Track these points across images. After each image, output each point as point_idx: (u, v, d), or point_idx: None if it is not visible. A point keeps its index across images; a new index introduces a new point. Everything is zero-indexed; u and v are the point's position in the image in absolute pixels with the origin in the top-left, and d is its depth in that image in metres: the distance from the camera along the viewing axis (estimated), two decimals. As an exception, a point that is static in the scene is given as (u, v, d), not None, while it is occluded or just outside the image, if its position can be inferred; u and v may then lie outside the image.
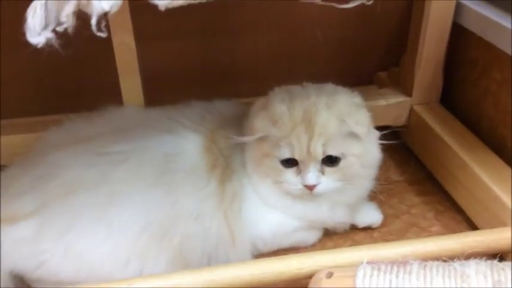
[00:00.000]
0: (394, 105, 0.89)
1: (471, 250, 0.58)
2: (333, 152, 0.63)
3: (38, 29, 0.39)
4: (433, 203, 0.81)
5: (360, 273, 0.54)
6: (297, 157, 0.63)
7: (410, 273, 0.53)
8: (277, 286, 0.61)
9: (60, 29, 0.40)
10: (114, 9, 0.38)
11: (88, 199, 0.64)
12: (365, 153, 0.65)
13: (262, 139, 0.64)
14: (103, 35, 0.38)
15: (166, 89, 0.87)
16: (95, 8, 0.37)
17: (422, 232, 0.75)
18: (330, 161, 0.63)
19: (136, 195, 0.65)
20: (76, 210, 0.64)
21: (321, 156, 0.62)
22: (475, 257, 0.55)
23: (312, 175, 0.62)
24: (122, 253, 0.63)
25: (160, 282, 0.58)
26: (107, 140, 0.70)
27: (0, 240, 0.62)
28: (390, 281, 0.53)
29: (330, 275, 0.56)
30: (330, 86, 0.69)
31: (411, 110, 0.89)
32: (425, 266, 0.54)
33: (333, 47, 1.00)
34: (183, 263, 0.65)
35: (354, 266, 0.56)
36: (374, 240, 0.74)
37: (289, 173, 0.64)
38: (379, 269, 0.54)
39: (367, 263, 0.56)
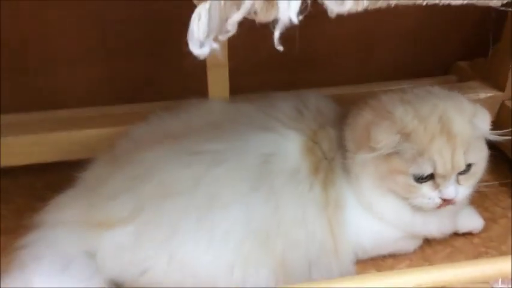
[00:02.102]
0: (484, 99, 0.84)
1: None
2: (471, 160, 0.60)
3: (201, 38, 0.35)
4: (531, 205, 0.78)
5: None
6: (439, 172, 0.59)
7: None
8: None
9: (222, 38, 0.36)
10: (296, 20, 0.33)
11: (187, 202, 0.61)
12: (485, 152, 0.63)
13: (390, 154, 0.60)
14: (280, 48, 0.34)
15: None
16: (282, 19, 0.32)
17: (526, 238, 0.72)
18: (465, 169, 0.60)
19: (237, 199, 0.62)
20: (175, 215, 0.61)
21: (463, 167, 0.59)
22: None
23: (452, 188, 0.59)
24: (226, 261, 0.61)
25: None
26: (200, 138, 0.66)
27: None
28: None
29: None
30: (437, 89, 0.65)
31: (502, 105, 0.85)
32: None
33: (409, 35, 0.95)
34: (286, 270, 0.62)
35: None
36: (474, 247, 0.71)
37: (425, 188, 0.60)
38: (515, 290, 0.52)
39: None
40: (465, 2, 0.41)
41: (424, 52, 0.97)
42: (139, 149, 0.67)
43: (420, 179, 0.60)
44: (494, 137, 0.64)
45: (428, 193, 0.61)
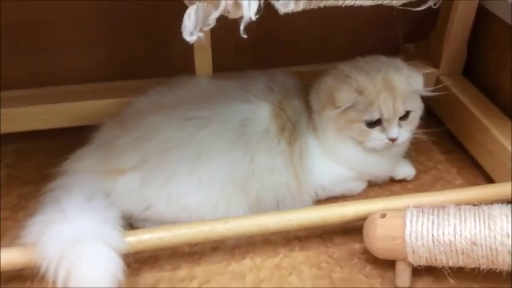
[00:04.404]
0: (424, 75, 1.02)
1: (495, 198, 0.74)
2: (408, 108, 0.79)
3: (191, 29, 0.52)
4: (456, 160, 0.97)
5: (408, 214, 0.70)
6: (385, 117, 0.77)
7: (448, 214, 0.69)
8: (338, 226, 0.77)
9: (206, 29, 0.53)
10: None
11: (181, 156, 0.78)
12: (420, 105, 0.82)
13: (346, 109, 0.78)
14: (245, 36, 0.51)
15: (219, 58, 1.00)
16: (245, 17, 0.49)
17: (447, 185, 0.91)
18: (404, 116, 0.79)
19: (220, 154, 0.79)
20: (172, 165, 0.78)
21: (402, 113, 0.78)
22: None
23: (395, 129, 0.78)
24: (211, 200, 0.78)
25: (248, 221, 0.74)
26: (191, 107, 0.83)
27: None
28: (432, 220, 0.69)
29: (383, 216, 0.72)
30: (384, 58, 0.83)
31: (437, 80, 1.03)
32: (459, 209, 0.70)
33: (366, 20, 1.12)
34: (259, 207, 0.80)
35: (403, 210, 0.72)
36: (408, 191, 0.89)
37: (375, 132, 0.79)
38: (423, 211, 0.70)
39: (413, 207, 0.72)
40: (374, 2, 0.58)
41: (376, 35, 1.13)
42: (142, 115, 0.83)
43: (370, 124, 0.79)
44: (426, 92, 0.83)
45: (377, 135, 0.79)
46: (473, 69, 1.03)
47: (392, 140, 0.80)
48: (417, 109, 0.83)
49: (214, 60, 0.95)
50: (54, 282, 0.64)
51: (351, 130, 0.81)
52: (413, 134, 0.85)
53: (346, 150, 0.83)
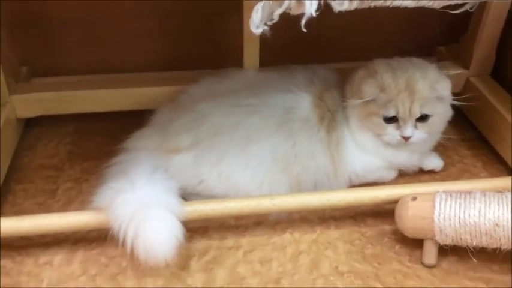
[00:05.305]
0: (454, 75, 1.09)
1: (517, 187, 0.80)
2: (426, 112, 0.85)
3: (257, 23, 0.61)
4: (481, 155, 1.04)
5: (438, 197, 0.78)
6: (400, 115, 0.84)
7: (474, 198, 0.76)
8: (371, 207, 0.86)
9: (270, 23, 0.61)
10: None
11: (230, 139, 0.87)
12: (444, 111, 0.88)
13: (369, 101, 0.85)
14: (305, 30, 0.59)
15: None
16: (306, 14, 0.57)
17: (473, 177, 0.98)
18: (422, 118, 0.85)
19: (266, 138, 0.88)
20: (223, 147, 0.87)
21: (418, 115, 0.84)
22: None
23: (409, 129, 0.85)
24: (257, 179, 0.87)
25: (291, 198, 0.83)
26: (239, 95, 0.92)
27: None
28: (459, 203, 0.76)
29: (414, 198, 0.79)
30: (418, 60, 0.90)
31: (467, 81, 1.10)
32: (485, 194, 0.77)
33: (401, 24, 1.19)
34: (298, 189, 0.88)
35: (432, 194, 0.79)
36: (436, 181, 0.96)
37: (390, 128, 0.86)
38: (451, 196, 0.78)
39: (442, 191, 0.79)
40: (418, 3, 0.66)
41: (413, 38, 1.21)
42: (195, 102, 0.93)
43: (387, 120, 0.86)
44: (454, 101, 0.90)
45: (392, 131, 0.86)
46: (501, 71, 1.10)
47: (406, 139, 0.86)
48: (439, 114, 0.87)
49: (260, 55, 1.04)
50: (122, 242, 0.74)
51: (370, 122, 0.87)
52: (439, 137, 0.91)
53: (366, 140, 0.89)
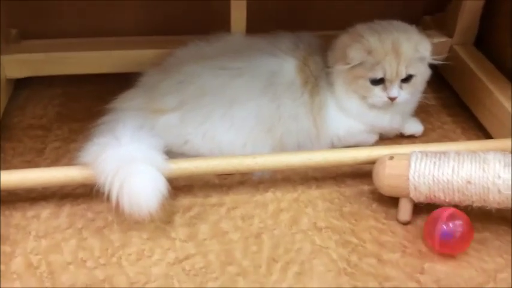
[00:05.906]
0: (438, 43, 1.11)
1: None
2: (410, 72, 0.88)
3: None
4: (461, 122, 1.06)
5: (413, 156, 0.80)
6: (387, 77, 0.87)
7: (448, 157, 0.79)
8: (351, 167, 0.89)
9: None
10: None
11: (216, 100, 0.89)
12: (425, 71, 0.91)
13: (355, 65, 0.87)
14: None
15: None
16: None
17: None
18: (406, 79, 0.88)
19: (250, 100, 0.90)
20: (208, 108, 0.89)
21: (404, 76, 0.87)
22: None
23: (395, 90, 0.88)
24: (241, 140, 0.89)
25: (273, 158, 0.85)
26: (225, 58, 0.93)
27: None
28: (434, 162, 0.79)
29: (391, 158, 0.82)
30: (398, 23, 0.91)
31: (450, 48, 1.12)
32: (458, 154, 0.79)
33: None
34: (281, 149, 0.91)
35: (408, 154, 0.82)
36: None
37: (377, 89, 0.89)
38: (426, 155, 0.80)
39: (418, 151, 0.82)
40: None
41: (399, 8, 1.22)
42: (183, 64, 0.94)
43: (374, 82, 0.88)
44: (433, 60, 0.92)
45: (378, 93, 0.89)
46: (484, 40, 1.12)
47: (392, 99, 0.89)
48: (421, 74, 0.91)
49: (247, 22, 1.05)
50: (108, 197, 0.76)
51: (356, 85, 0.90)
52: (421, 97, 0.94)
53: (352, 104, 0.92)
